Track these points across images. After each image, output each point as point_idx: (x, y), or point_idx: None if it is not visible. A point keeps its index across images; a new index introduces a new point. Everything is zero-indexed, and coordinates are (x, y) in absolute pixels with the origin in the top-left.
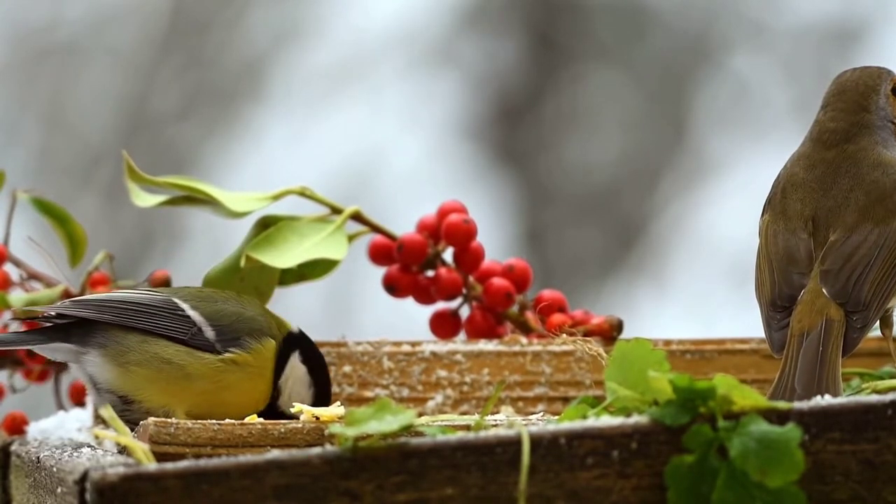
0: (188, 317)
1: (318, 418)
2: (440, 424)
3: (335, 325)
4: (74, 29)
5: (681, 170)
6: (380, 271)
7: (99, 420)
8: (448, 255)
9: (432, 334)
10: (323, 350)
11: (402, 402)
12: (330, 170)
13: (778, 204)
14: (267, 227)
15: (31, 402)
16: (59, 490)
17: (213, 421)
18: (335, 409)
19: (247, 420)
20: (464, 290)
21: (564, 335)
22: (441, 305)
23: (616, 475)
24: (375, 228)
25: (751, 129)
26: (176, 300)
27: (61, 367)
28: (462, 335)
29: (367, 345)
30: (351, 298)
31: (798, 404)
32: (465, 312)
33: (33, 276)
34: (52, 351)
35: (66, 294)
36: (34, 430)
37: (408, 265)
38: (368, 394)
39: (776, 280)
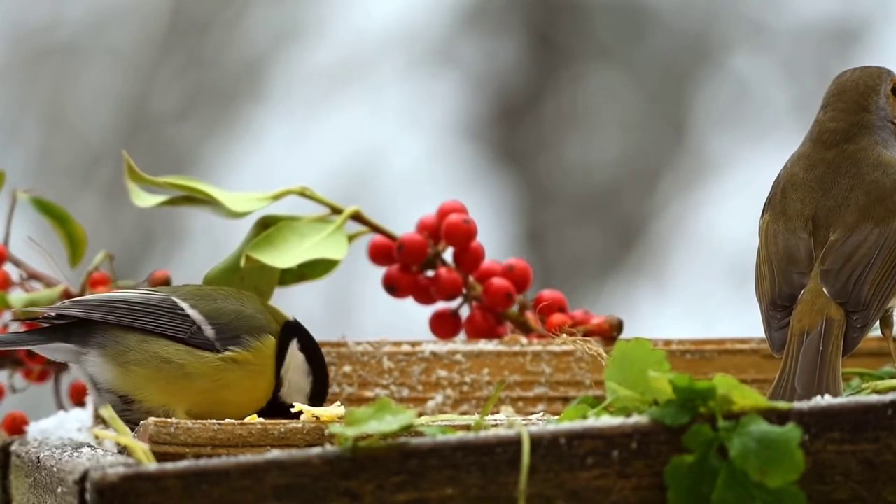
0: (187, 316)
1: (318, 418)
2: (440, 424)
3: (335, 325)
4: (74, 29)
5: (681, 170)
6: (380, 271)
7: (99, 420)
8: (448, 255)
9: (432, 334)
10: (323, 350)
11: (402, 402)
12: (330, 170)
13: (778, 204)
14: (267, 227)
15: (31, 402)
16: (59, 490)
17: (213, 421)
18: (335, 409)
19: (247, 420)
20: (464, 290)
21: (564, 335)
22: (441, 305)
23: (616, 475)
24: (375, 228)
25: (751, 129)
26: (175, 299)
27: (61, 367)
28: (462, 335)
29: (367, 345)
30: (351, 298)
31: (798, 404)
32: (465, 312)
33: (33, 276)
34: (52, 351)
35: (66, 294)
36: (34, 430)
37: (408, 265)
38: (368, 394)
39: (776, 280)
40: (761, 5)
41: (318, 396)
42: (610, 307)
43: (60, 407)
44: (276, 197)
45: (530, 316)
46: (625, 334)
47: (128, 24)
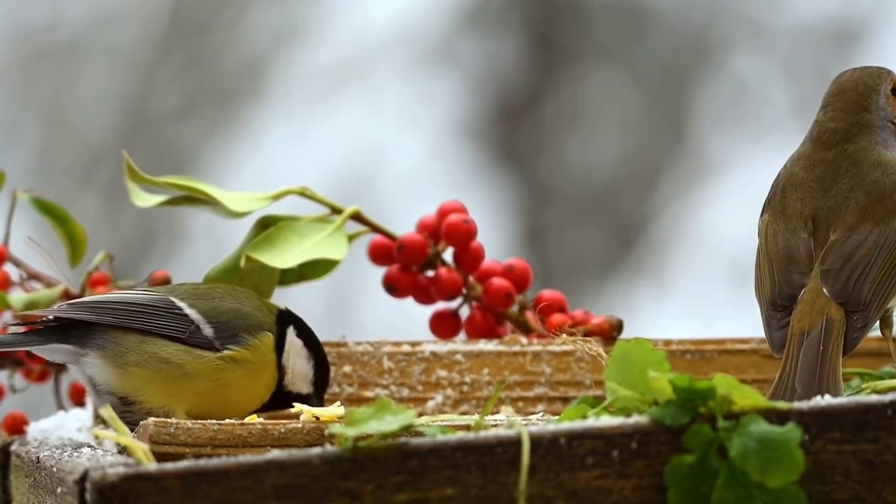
0: (186, 315)
1: (318, 418)
2: (440, 424)
3: (335, 325)
4: (74, 29)
5: (681, 170)
6: (380, 271)
7: (99, 420)
8: (448, 255)
9: (432, 334)
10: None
11: (402, 402)
12: (330, 170)
13: (778, 204)
14: (267, 227)
15: (31, 402)
16: (59, 490)
17: (213, 421)
18: (335, 409)
19: (246, 420)
20: (464, 290)
21: (564, 335)
22: (441, 305)
23: (616, 475)
24: (375, 228)
25: (751, 129)
26: (173, 299)
27: (61, 368)
28: (462, 335)
29: (367, 345)
30: (351, 298)
31: (798, 404)
32: (465, 312)
33: (33, 276)
34: (51, 352)
35: (67, 294)
36: (34, 430)
37: (408, 265)
38: (368, 394)
39: (776, 279)
40: (761, 5)
41: (322, 377)
42: (610, 307)
43: (60, 407)
44: (276, 197)
45: (530, 316)
46: (625, 334)
47: (128, 24)
